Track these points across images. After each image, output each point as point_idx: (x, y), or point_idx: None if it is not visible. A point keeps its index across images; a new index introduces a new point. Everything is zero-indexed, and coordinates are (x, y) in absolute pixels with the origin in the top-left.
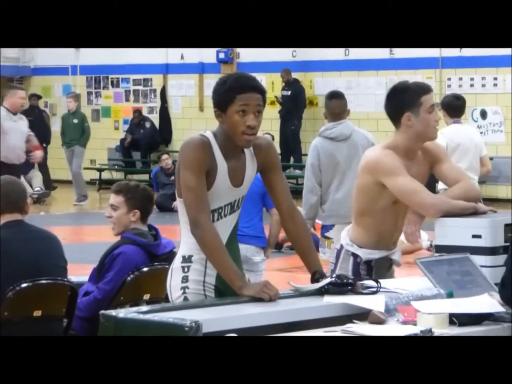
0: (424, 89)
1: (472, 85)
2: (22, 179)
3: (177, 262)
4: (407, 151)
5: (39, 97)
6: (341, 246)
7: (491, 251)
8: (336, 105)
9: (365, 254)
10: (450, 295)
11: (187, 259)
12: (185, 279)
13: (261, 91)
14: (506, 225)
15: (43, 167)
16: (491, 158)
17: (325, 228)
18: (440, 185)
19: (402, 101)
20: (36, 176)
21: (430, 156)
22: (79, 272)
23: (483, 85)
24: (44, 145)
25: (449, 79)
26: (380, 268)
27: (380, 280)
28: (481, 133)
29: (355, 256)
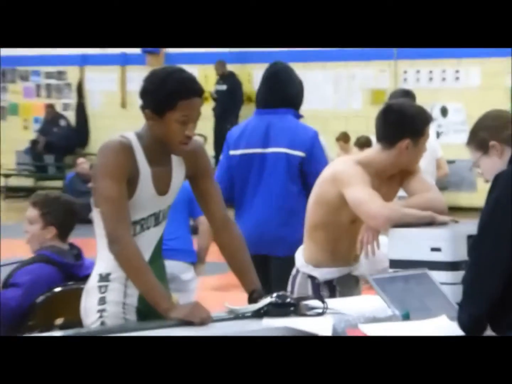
0: (429, 119)
1: (431, 79)
2: None
3: (92, 281)
4: (381, 171)
5: None
6: (297, 270)
7: (452, 266)
8: None
9: (322, 274)
10: (406, 316)
11: (104, 278)
12: (102, 300)
13: (202, 93)
14: (469, 237)
15: None
16: (452, 162)
17: None
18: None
19: (406, 126)
20: None
21: (401, 172)
22: None
23: (444, 79)
24: None
25: (405, 72)
26: (345, 287)
27: (327, 300)
28: (441, 133)
29: (312, 278)
